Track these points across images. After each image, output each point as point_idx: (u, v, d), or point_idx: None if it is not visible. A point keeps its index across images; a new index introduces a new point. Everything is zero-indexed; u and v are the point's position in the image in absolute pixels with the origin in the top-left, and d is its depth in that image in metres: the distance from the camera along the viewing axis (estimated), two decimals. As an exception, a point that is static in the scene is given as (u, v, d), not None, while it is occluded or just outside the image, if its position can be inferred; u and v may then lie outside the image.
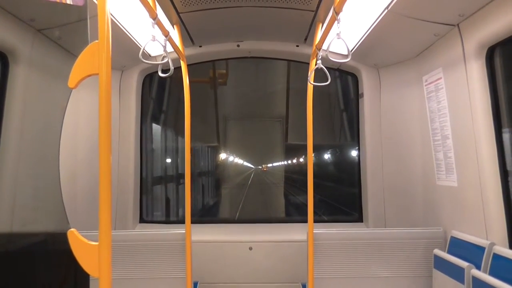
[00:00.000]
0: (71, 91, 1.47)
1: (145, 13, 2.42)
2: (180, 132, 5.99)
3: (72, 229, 1.47)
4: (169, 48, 2.84)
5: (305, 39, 4.23)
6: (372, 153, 4.32)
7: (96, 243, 1.46)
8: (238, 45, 4.39)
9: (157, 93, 5.52)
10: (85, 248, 1.46)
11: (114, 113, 4.33)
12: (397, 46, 3.75)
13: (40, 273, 2.61)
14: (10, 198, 2.86)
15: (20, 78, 2.87)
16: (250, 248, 4.15)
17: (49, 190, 2.93)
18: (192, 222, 3.56)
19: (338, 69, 4.62)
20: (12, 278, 2.63)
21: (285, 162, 6.66)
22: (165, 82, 5.66)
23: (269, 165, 7.21)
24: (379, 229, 4.07)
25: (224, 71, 5.71)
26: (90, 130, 3.91)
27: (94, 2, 1.50)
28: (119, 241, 3.48)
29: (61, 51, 3.25)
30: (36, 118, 3.00)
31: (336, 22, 2.43)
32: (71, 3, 1.51)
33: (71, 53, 3.26)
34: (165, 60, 2.64)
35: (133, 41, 3.65)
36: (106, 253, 1.46)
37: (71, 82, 1.49)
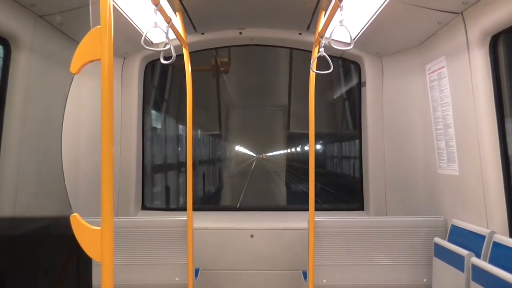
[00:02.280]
0: (73, 77, 1.47)
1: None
2: (182, 120, 5.99)
3: (74, 214, 1.48)
4: (171, 35, 2.83)
5: (308, 27, 4.21)
6: (374, 141, 4.32)
7: (99, 228, 1.47)
8: (240, 33, 4.37)
9: (160, 81, 5.51)
10: (88, 232, 1.47)
11: (116, 100, 4.33)
12: (400, 34, 3.73)
13: (42, 257, 2.63)
14: (13, 183, 2.88)
15: (22, 64, 2.87)
16: (252, 236, 4.18)
17: (51, 176, 2.94)
18: (194, 209, 3.58)
19: (340, 57, 4.60)
20: (15, 261, 2.65)
21: (287, 151, 6.67)
22: (168, 69, 5.66)
23: (271, 153, 7.22)
24: (380, 217, 4.08)
25: (227, 59, 5.70)
26: (92, 116, 3.92)
27: (96, -13, 1.50)
28: (121, 228, 3.50)
29: (63, 37, 3.24)
30: (39, 104, 3.00)
31: (339, 9, 2.41)
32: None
33: (73, 39, 3.25)
34: (167, 47, 2.63)
35: (135, 27, 3.63)
36: (109, 238, 1.46)
37: (73, 68, 1.49)
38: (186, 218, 3.54)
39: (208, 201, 6.74)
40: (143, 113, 4.61)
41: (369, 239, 3.51)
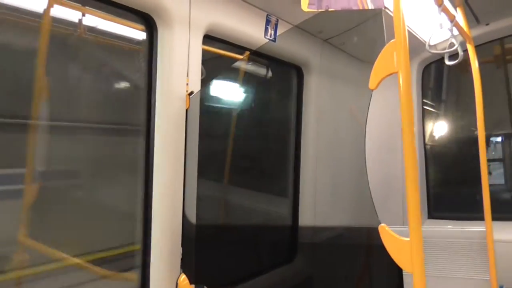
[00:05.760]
0: (371, 92, 1.53)
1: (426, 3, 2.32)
2: (464, 120, 5.53)
3: (382, 224, 1.52)
4: (454, 33, 2.66)
5: None
6: None
7: (407, 239, 1.47)
8: None
9: (436, 82, 5.25)
10: (397, 243, 1.49)
11: (396, 106, 4.33)
12: None
13: (345, 263, 2.82)
14: (312, 195, 3.20)
15: (313, 87, 3.19)
16: None
17: (345, 187, 3.15)
18: (492, 219, 3.22)
19: None
20: (323, 266, 2.93)
21: None
22: (443, 69, 5.33)
23: None
24: None
25: (515, 45, 4.95)
26: (378, 126, 3.99)
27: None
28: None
29: (343, 55, 3.45)
30: (329, 121, 3.26)
31: None
32: (372, 7, 1.57)
33: (353, 56, 3.43)
34: (454, 47, 2.48)
35: (411, 33, 3.56)
36: (419, 249, 1.45)
37: (371, 84, 1.55)
38: (482, 229, 3.21)
39: (507, 209, 5.94)
40: (423, 117, 4.48)
41: None
